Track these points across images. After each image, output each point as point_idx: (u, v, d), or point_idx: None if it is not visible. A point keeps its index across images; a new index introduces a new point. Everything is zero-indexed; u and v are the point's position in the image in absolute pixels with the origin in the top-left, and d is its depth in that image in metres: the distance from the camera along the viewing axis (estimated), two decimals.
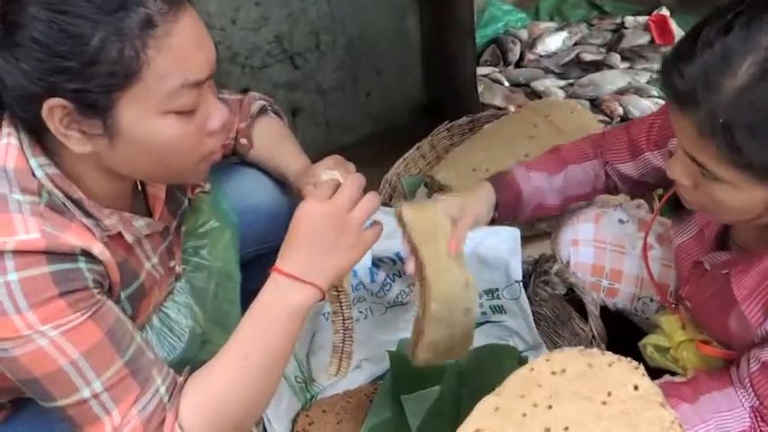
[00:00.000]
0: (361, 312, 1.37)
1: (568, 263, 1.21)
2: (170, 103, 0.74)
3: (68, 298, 0.73)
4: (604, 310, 1.19)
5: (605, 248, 1.19)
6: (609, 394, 0.71)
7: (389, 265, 1.32)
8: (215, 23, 1.72)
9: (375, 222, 0.87)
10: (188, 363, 0.99)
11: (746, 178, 0.72)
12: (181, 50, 0.73)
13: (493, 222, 1.15)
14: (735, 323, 0.90)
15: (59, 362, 0.73)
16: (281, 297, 0.81)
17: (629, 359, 0.74)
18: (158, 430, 0.77)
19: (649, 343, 1.09)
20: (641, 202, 1.29)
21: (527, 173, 1.15)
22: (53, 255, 0.73)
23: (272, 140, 1.17)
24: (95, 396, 0.75)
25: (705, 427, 0.85)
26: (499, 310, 1.36)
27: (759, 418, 0.85)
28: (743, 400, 0.87)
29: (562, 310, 1.24)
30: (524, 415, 0.72)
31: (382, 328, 1.40)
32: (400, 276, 1.35)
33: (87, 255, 0.77)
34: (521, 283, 1.28)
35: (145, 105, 0.73)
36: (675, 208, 1.04)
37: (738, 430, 0.86)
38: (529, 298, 1.30)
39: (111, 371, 0.76)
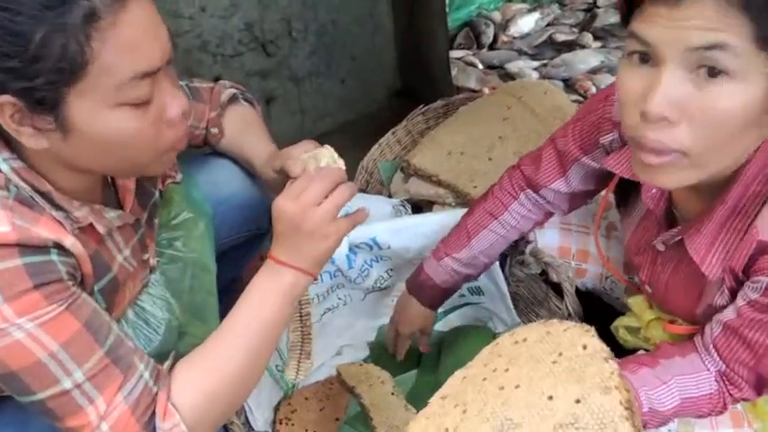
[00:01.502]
0: (340, 299, 1.38)
1: (535, 246, 1.21)
2: (121, 95, 0.72)
3: (43, 290, 0.72)
4: (577, 292, 1.19)
5: (571, 230, 1.20)
6: (560, 354, 0.75)
7: (366, 251, 1.32)
8: (183, 12, 1.69)
9: (358, 210, 0.92)
10: (166, 356, 0.99)
11: (761, 61, 0.67)
12: (129, 41, 0.71)
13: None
14: (697, 296, 0.90)
15: (38, 354, 0.72)
16: (273, 279, 0.87)
17: (581, 324, 0.77)
18: (146, 413, 0.78)
19: (621, 325, 1.09)
20: None
21: (438, 262, 1.19)
22: (25, 247, 0.72)
23: (241, 129, 1.16)
24: (77, 386, 0.74)
25: (666, 388, 0.85)
26: (477, 291, 1.37)
27: (726, 382, 0.85)
28: (708, 365, 0.86)
29: (538, 290, 1.26)
30: (484, 379, 0.78)
31: (362, 314, 1.41)
32: (378, 261, 1.36)
33: (59, 247, 0.76)
34: (497, 264, 1.28)
35: (95, 99, 0.72)
36: (620, 203, 1.06)
37: (702, 393, 0.86)
38: (506, 279, 1.30)
39: (91, 361, 0.75)
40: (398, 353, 1.28)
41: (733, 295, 0.84)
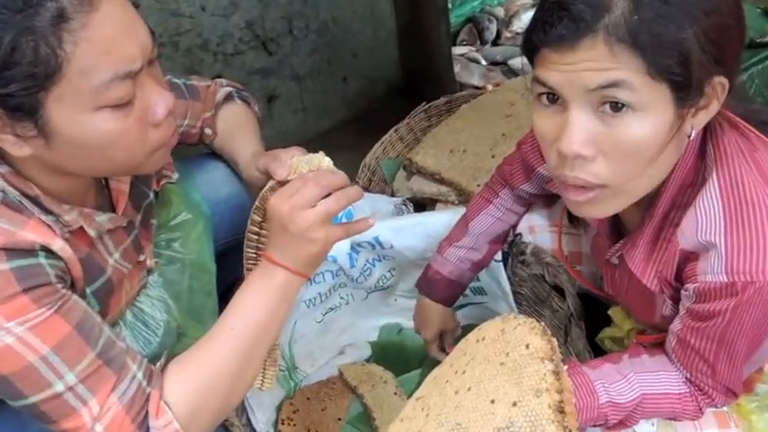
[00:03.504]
0: (342, 299, 1.37)
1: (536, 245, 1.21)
2: (101, 97, 0.71)
3: (31, 294, 0.72)
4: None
5: (562, 232, 1.20)
6: (507, 355, 0.76)
7: (369, 250, 1.32)
8: (184, 10, 1.69)
9: (360, 220, 0.91)
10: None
11: (659, 90, 0.69)
12: (104, 42, 0.69)
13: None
14: (651, 307, 0.91)
15: (28, 358, 0.72)
16: (265, 278, 0.86)
17: (531, 320, 0.78)
18: (141, 414, 0.77)
19: (605, 336, 1.11)
20: None
21: (442, 255, 1.20)
22: (12, 251, 0.71)
23: (231, 128, 1.15)
24: (70, 389, 0.74)
25: (626, 382, 0.86)
26: (480, 291, 1.36)
27: (696, 389, 0.86)
28: (680, 368, 0.87)
29: (541, 290, 1.24)
30: (447, 381, 0.81)
31: (364, 313, 1.40)
32: (380, 261, 1.35)
33: (47, 251, 0.75)
34: (500, 263, 1.27)
35: (74, 103, 0.70)
36: (573, 219, 1.10)
37: (665, 392, 0.86)
38: (509, 278, 1.29)
39: (83, 363, 0.75)
40: (433, 354, 1.27)
41: (677, 305, 0.85)
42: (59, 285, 0.76)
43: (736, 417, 0.91)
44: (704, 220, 0.77)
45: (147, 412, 0.78)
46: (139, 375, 0.79)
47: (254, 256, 1.01)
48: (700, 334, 0.81)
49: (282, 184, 0.92)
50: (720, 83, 0.73)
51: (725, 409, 0.91)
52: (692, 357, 0.84)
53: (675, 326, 0.85)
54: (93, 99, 0.71)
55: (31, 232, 0.74)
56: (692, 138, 0.76)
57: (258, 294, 0.86)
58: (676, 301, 0.85)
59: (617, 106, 0.70)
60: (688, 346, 0.84)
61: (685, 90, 0.70)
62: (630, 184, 0.76)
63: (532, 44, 0.73)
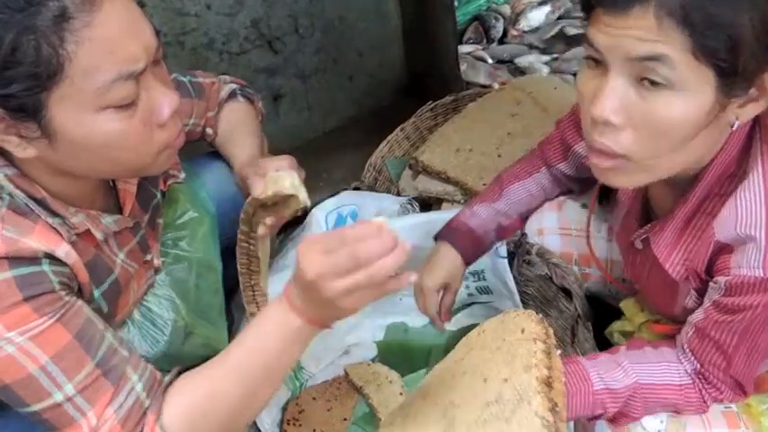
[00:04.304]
0: None
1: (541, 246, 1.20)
2: (105, 97, 0.70)
3: (33, 303, 0.72)
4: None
5: (571, 235, 1.19)
6: (503, 340, 0.80)
7: None
8: (189, 9, 1.68)
9: (400, 276, 0.76)
10: (172, 356, 0.98)
11: (702, 73, 0.68)
12: (107, 41, 0.68)
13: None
14: (672, 297, 0.90)
15: (29, 368, 0.72)
16: (282, 319, 0.78)
17: (530, 311, 0.82)
18: (137, 429, 0.76)
19: (615, 330, 1.10)
20: None
21: (470, 209, 1.17)
22: (14, 259, 0.71)
23: (230, 129, 1.15)
24: (69, 399, 0.74)
25: (621, 369, 0.86)
26: (486, 290, 1.35)
27: (704, 381, 0.85)
28: (684, 362, 0.86)
29: (548, 290, 1.24)
30: (446, 369, 0.86)
31: (369, 313, 1.39)
32: None
33: (51, 258, 0.75)
34: (506, 262, 1.27)
35: (77, 103, 0.70)
36: (604, 198, 1.09)
37: (664, 382, 0.85)
38: (515, 278, 1.29)
39: (82, 373, 0.74)
40: (422, 308, 1.17)
41: (701, 296, 0.84)
42: (63, 293, 0.75)
43: (746, 418, 0.90)
44: (745, 213, 0.75)
45: (142, 428, 0.77)
46: (138, 387, 0.78)
47: (247, 262, 1.02)
48: (723, 327, 0.80)
49: (257, 200, 0.92)
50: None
51: (734, 408, 0.90)
52: (708, 349, 0.83)
53: (697, 317, 0.84)
54: (97, 99, 0.70)
55: (36, 239, 0.73)
56: (734, 128, 0.75)
57: (273, 338, 0.78)
58: (701, 293, 0.84)
59: (655, 82, 0.69)
60: (707, 337, 0.82)
61: (731, 78, 0.68)
62: (654, 161, 0.75)
63: (589, 2, 0.73)
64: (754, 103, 0.73)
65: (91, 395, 0.75)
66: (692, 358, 0.86)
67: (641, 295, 1.02)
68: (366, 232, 0.70)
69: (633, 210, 0.95)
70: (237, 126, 1.15)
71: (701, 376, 0.85)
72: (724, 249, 0.78)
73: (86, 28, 0.67)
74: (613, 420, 0.87)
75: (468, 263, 1.16)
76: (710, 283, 0.81)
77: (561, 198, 1.21)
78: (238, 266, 1.05)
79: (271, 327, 0.79)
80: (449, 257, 1.14)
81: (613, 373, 0.86)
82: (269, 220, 0.99)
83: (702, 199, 0.81)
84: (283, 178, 0.90)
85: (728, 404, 0.89)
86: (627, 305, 1.07)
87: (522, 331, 0.79)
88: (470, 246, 1.15)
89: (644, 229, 0.90)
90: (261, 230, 1.01)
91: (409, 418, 0.90)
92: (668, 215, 0.85)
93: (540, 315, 0.80)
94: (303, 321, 0.77)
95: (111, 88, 0.70)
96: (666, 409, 0.88)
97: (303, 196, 0.89)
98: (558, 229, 1.19)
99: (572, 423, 0.92)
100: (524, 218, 1.21)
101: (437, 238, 1.18)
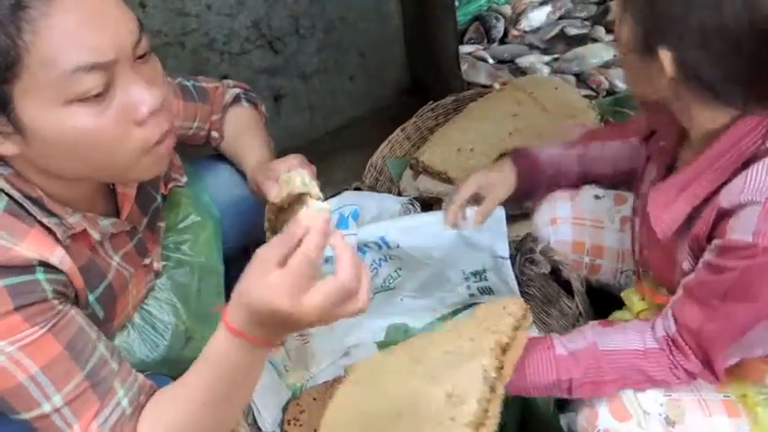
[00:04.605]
0: None
1: (548, 242, 1.20)
2: (67, 90, 0.67)
3: (24, 312, 0.71)
4: (590, 288, 1.19)
5: (584, 224, 1.19)
6: (486, 318, 0.94)
7: (375, 250, 1.31)
8: (190, 10, 1.68)
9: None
10: (172, 360, 0.98)
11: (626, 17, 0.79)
12: (65, 31, 0.66)
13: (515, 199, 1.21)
14: (671, 260, 0.92)
15: (18, 377, 0.71)
16: (230, 351, 0.71)
17: (519, 299, 0.98)
18: None
19: (615, 318, 1.10)
20: None
21: (549, 146, 1.20)
22: (6, 268, 0.70)
23: (237, 133, 1.15)
24: (56, 410, 0.73)
25: (581, 334, 0.93)
26: (487, 291, 1.35)
27: (674, 347, 0.87)
28: (659, 326, 0.89)
29: (549, 289, 1.24)
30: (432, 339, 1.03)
31: (370, 313, 1.39)
32: (386, 261, 1.34)
33: (46, 265, 0.74)
34: (508, 263, 1.27)
35: (42, 96, 0.67)
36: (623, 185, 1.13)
37: (628, 348, 0.89)
38: (516, 278, 1.29)
39: (70, 385, 0.73)
40: (447, 217, 1.19)
41: (697, 262, 0.87)
42: (56, 302, 0.74)
43: (741, 408, 0.91)
44: (752, 182, 0.77)
45: None
46: (125, 402, 0.76)
47: None
48: (706, 288, 0.83)
49: (274, 204, 0.91)
50: (665, 54, 0.76)
51: (732, 397, 0.91)
52: (687, 309, 0.85)
53: (688, 278, 0.86)
54: (60, 92, 0.68)
55: (30, 245, 0.72)
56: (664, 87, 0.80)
57: (227, 365, 0.72)
58: (698, 259, 0.86)
59: None
60: (690, 296, 0.85)
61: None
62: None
63: None
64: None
65: (78, 407, 0.74)
66: (671, 320, 0.88)
67: (647, 265, 1.03)
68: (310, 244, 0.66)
69: (659, 163, 0.97)
70: (244, 130, 1.14)
71: (672, 341, 0.87)
72: (725, 215, 0.79)
73: (44, 17, 0.65)
74: (594, 388, 0.90)
75: (520, 187, 1.19)
76: (708, 247, 0.83)
77: (575, 189, 1.22)
78: None
79: (224, 365, 0.72)
80: (503, 169, 1.19)
81: (574, 338, 0.92)
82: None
83: (704, 168, 0.82)
84: (294, 178, 0.90)
85: (728, 393, 0.91)
86: (627, 294, 1.08)
87: (504, 308, 0.93)
88: (527, 169, 1.18)
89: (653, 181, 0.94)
90: None
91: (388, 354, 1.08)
92: (671, 175, 0.88)
93: (527, 305, 0.95)
94: (260, 348, 0.71)
95: (71, 79, 0.67)
96: (639, 378, 0.89)
97: (315, 192, 0.89)
98: (571, 218, 1.19)
99: (581, 415, 0.93)
100: (582, 178, 1.22)
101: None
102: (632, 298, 1.07)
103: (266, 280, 0.64)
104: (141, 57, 0.74)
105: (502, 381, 0.86)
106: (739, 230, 0.77)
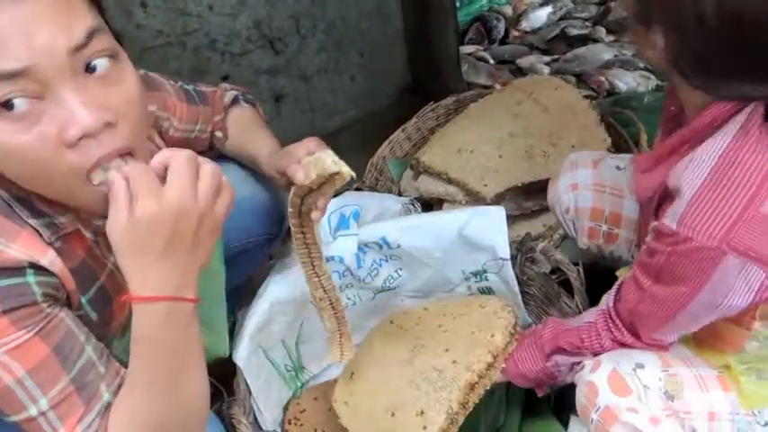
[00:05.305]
0: (348, 299, 1.37)
1: (568, 209, 1.20)
2: None
3: (11, 315, 0.70)
4: (600, 269, 1.20)
5: (605, 191, 1.18)
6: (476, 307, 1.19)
7: (376, 250, 1.31)
8: (191, 10, 1.69)
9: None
10: None
11: None
12: None
13: None
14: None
15: (5, 380, 0.71)
16: (148, 320, 0.72)
17: (505, 299, 1.18)
18: None
19: (621, 273, 1.12)
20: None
21: None
22: None
23: (243, 130, 1.14)
24: (42, 414, 0.73)
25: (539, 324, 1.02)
26: (488, 291, 1.35)
27: (609, 319, 0.93)
28: (601, 307, 0.96)
29: (549, 288, 1.24)
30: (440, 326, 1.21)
31: (371, 314, 1.40)
32: (387, 261, 1.34)
33: (37, 267, 0.73)
34: (509, 262, 1.27)
35: None
36: None
37: (578, 325, 0.97)
38: (516, 277, 1.29)
39: (56, 389, 0.73)
40: None
41: None
42: (45, 305, 0.73)
43: (728, 380, 0.92)
44: (693, 167, 0.78)
45: None
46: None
47: (307, 251, 1.04)
48: (642, 268, 0.86)
49: (303, 187, 0.91)
50: (655, 33, 0.76)
51: (718, 372, 0.93)
52: (626, 287, 0.90)
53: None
54: None
55: (21, 247, 0.71)
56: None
57: (156, 342, 0.72)
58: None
59: None
60: (633, 275, 0.89)
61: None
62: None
63: None
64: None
65: (63, 411, 0.73)
66: (615, 292, 0.93)
67: (643, 240, 1.05)
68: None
69: (670, 125, 0.98)
70: (249, 126, 1.14)
71: (609, 313, 0.93)
72: (668, 197, 0.82)
73: None
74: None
75: None
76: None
77: (596, 157, 1.22)
78: (298, 258, 1.04)
79: (147, 338, 0.72)
80: None
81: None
82: (320, 202, 0.98)
83: (679, 144, 0.84)
84: (323, 159, 0.89)
85: (722, 370, 0.92)
86: (622, 273, 1.09)
87: (495, 313, 1.13)
88: None
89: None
90: (316, 215, 0.99)
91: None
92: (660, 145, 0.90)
93: (510, 308, 1.13)
94: (170, 305, 0.71)
95: None
96: (579, 348, 0.97)
97: (346, 169, 0.89)
98: (591, 185, 1.19)
99: (580, 393, 0.95)
100: None
101: None
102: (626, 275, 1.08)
103: (115, 216, 0.68)
104: (91, 70, 0.68)
105: (464, 413, 1.04)
106: (670, 216, 0.79)
